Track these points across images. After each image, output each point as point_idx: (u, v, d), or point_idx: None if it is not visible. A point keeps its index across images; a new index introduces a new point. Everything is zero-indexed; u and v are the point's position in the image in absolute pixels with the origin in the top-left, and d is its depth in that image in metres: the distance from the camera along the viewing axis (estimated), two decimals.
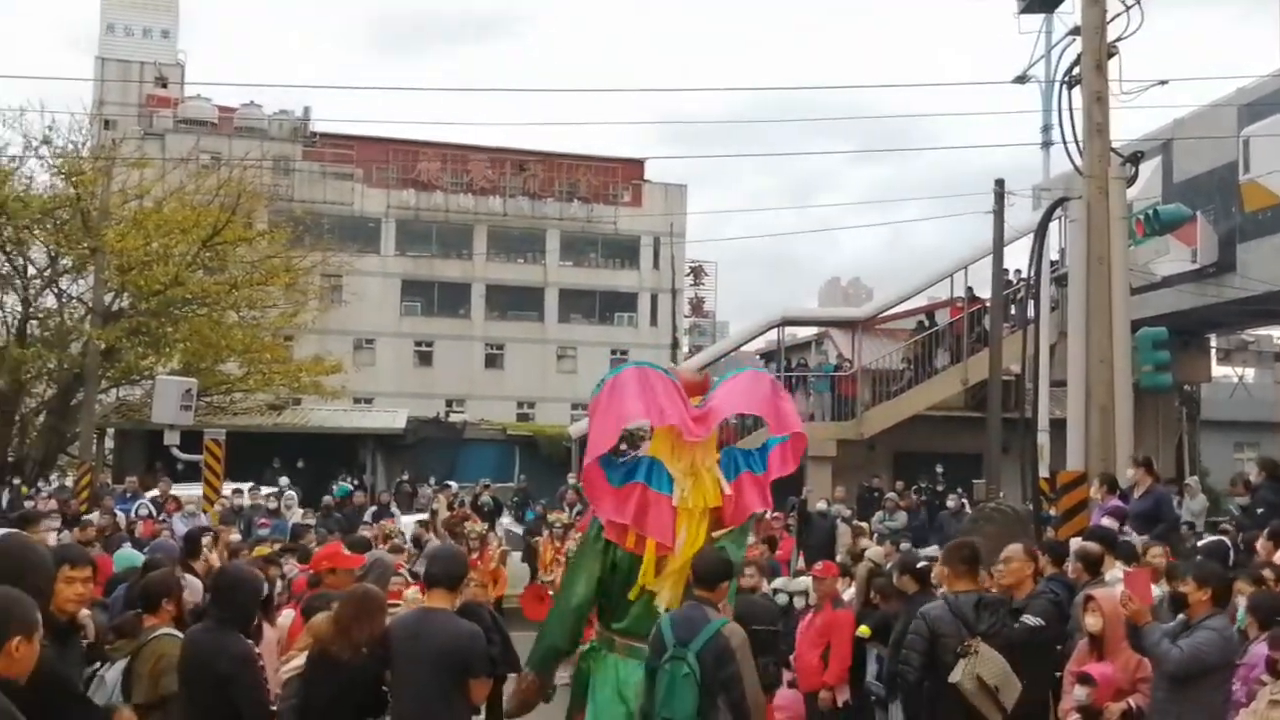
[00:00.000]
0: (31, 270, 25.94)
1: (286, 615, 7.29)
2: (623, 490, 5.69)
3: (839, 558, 11.58)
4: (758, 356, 37.09)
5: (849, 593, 9.49)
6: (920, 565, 8.54)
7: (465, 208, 48.08)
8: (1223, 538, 9.77)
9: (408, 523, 16.72)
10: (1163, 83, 14.25)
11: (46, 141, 24.73)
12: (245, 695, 5.35)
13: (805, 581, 10.10)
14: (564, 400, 46.44)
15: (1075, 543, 8.75)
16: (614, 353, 49.49)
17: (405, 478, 24.86)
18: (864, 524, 18.07)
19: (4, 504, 19.19)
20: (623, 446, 6.10)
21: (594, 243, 50.09)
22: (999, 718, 6.33)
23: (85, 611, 5.34)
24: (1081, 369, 12.29)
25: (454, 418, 33.76)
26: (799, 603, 9.94)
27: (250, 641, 5.65)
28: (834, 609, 9.07)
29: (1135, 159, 13.65)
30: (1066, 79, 12.88)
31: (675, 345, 48.41)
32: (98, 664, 5.72)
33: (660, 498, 5.62)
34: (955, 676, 6.31)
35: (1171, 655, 6.13)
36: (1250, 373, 28.41)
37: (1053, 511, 12.73)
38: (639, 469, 5.74)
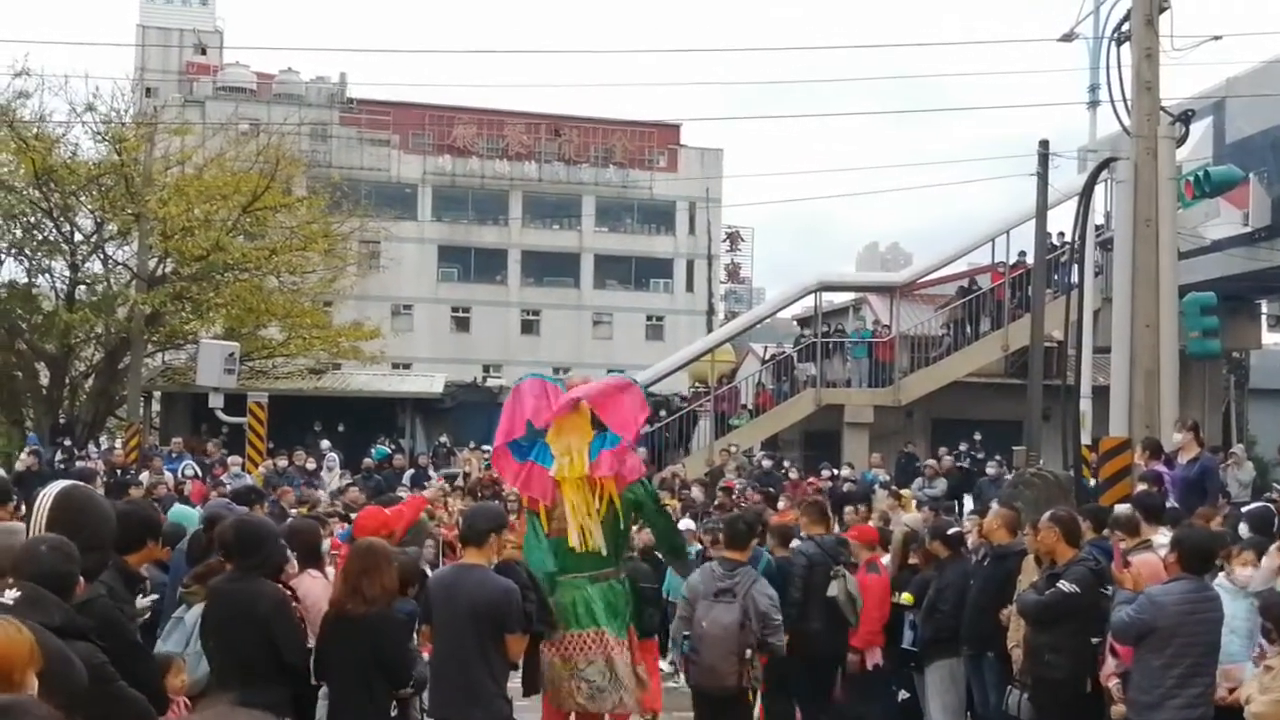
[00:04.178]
0: (79, 236, 26.24)
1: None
2: (522, 465, 7.44)
3: (873, 522, 11.62)
4: (793, 322, 36.99)
5: (885, 558, 9.51)
6: (951, 531, 8.59)
7: (501, 173, 48.12)
8: (1269, 505, 9.65)
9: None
10: (1217, 38, 13.83)
11: (91, 108, 24.96)
12: (286, 634, 5.45)
13: None
14: (600, 366, 46.43)
15: (1121, 508, 8.72)
16: (649, 319, 49.53)
17: (443, 441, 25.06)
18: (902, 490, 18.03)
19: (56, 464, 19.59)
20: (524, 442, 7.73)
21: (630, 208, 50.02)
22: (855, 620, 8.53)
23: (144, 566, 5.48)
24: (1127, 334, 12.13)
25: (490, 383, 33.93)
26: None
27: (280, 586, 5.73)
28: (866, 573, 9.11)
29: (1186, 118, 13.19)
30: (1115, 35, 12.53)
31: (711, 311, 48.42)
32: (182, 606, 5.90)
33: (544, 470, 7.35)
34: (832, 591, 8.38)
35: (1111, 619, 6.39)
36: None
37: (1094, 480, 12.59)
38: (533, 450, 7.44)
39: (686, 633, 7.32)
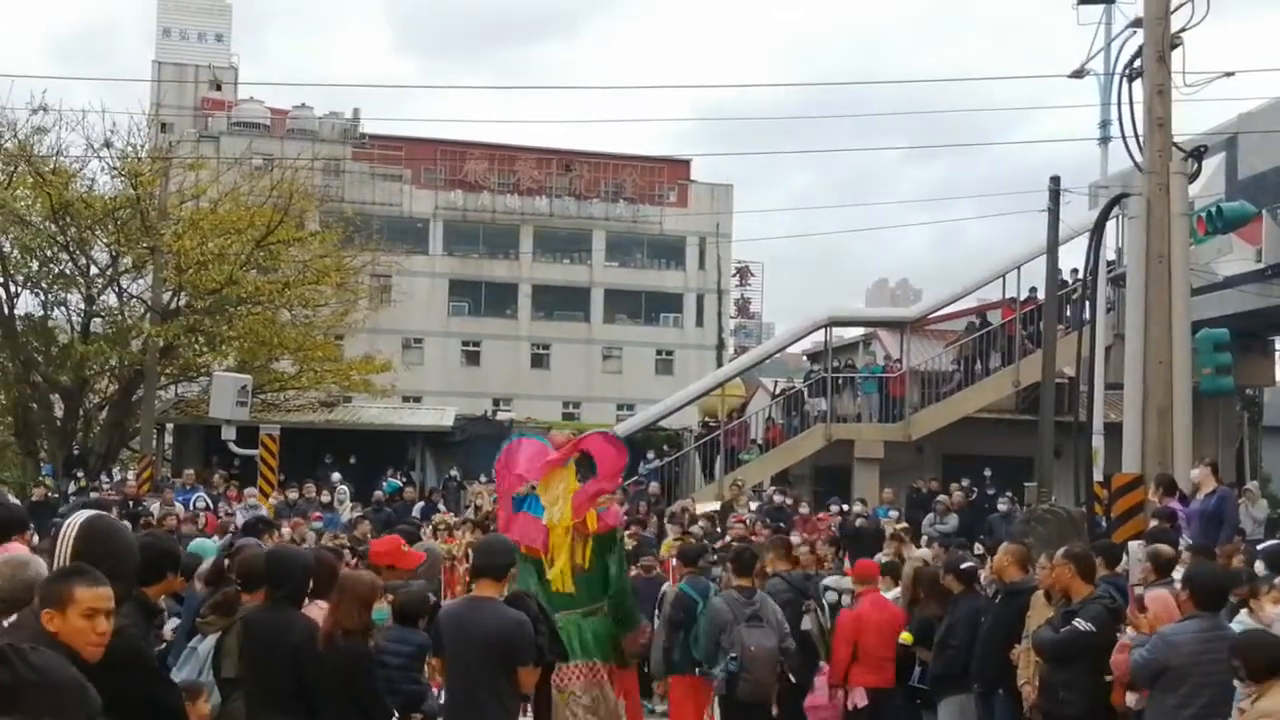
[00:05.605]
0: (94, 269, 26.41)
1: None
2: (517, 516, 8.14)
3: (884, 558, 11.59)
4: (803, 357, 37.02)
5: (893, 592, 9.49)
6: (965, 566, 8.57)
7: (512, 208, 48.40)
8: None
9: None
10: (1229, 74, 13.78)
11: (108, 144, 25.20)
12: (318, 664, 5.44)
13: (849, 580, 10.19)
14: (609, 400, 46.58)
15: (1134, 545, 8.68)
16: (659, 353, 49.59)
17: (453, 474, 25.09)
18: (908, 525, 17.95)
19: (70, 495, 19.65)
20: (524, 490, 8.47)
21: (640, 243, 50.21)
22: (825, 653, 8.99)
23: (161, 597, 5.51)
24: (1139, 371, 12.10)
25: (500, 416, 33.96)
26: (846, 600, 9.98)
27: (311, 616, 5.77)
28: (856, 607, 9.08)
29: (1198, 154, 13.04)
30: (1127, 72, 12.49)
31: (721, 346, 48.49)
32: (196, 636, 5.92)
33: (536, 519, 8.02)
34: (806, 625, 8.95)
35: (1130, 660, 6.32)
36: None
37: (1105, 516, 12.56)
38: (525, 502, 8.17)
39: (734, 654, 8.12)
